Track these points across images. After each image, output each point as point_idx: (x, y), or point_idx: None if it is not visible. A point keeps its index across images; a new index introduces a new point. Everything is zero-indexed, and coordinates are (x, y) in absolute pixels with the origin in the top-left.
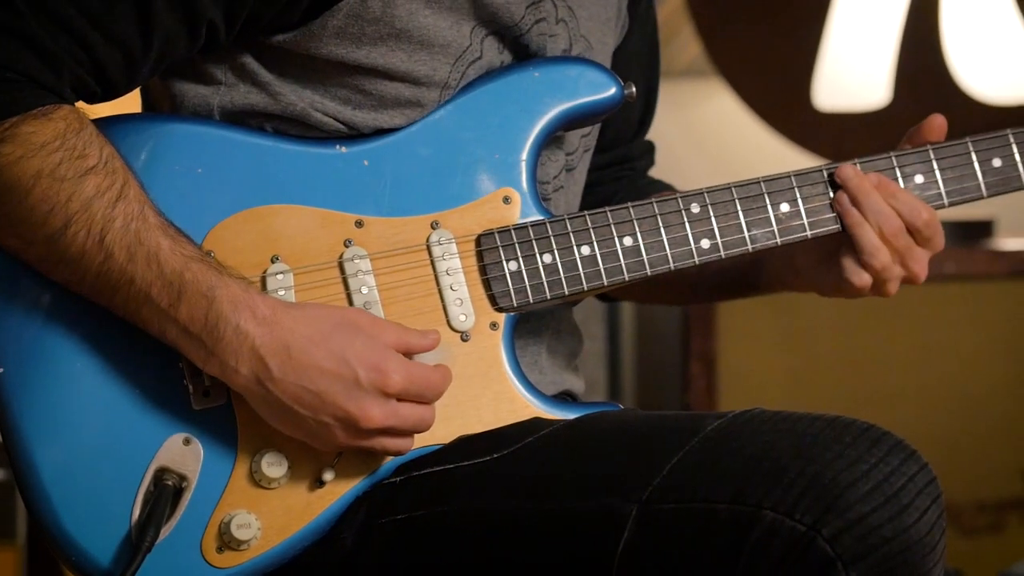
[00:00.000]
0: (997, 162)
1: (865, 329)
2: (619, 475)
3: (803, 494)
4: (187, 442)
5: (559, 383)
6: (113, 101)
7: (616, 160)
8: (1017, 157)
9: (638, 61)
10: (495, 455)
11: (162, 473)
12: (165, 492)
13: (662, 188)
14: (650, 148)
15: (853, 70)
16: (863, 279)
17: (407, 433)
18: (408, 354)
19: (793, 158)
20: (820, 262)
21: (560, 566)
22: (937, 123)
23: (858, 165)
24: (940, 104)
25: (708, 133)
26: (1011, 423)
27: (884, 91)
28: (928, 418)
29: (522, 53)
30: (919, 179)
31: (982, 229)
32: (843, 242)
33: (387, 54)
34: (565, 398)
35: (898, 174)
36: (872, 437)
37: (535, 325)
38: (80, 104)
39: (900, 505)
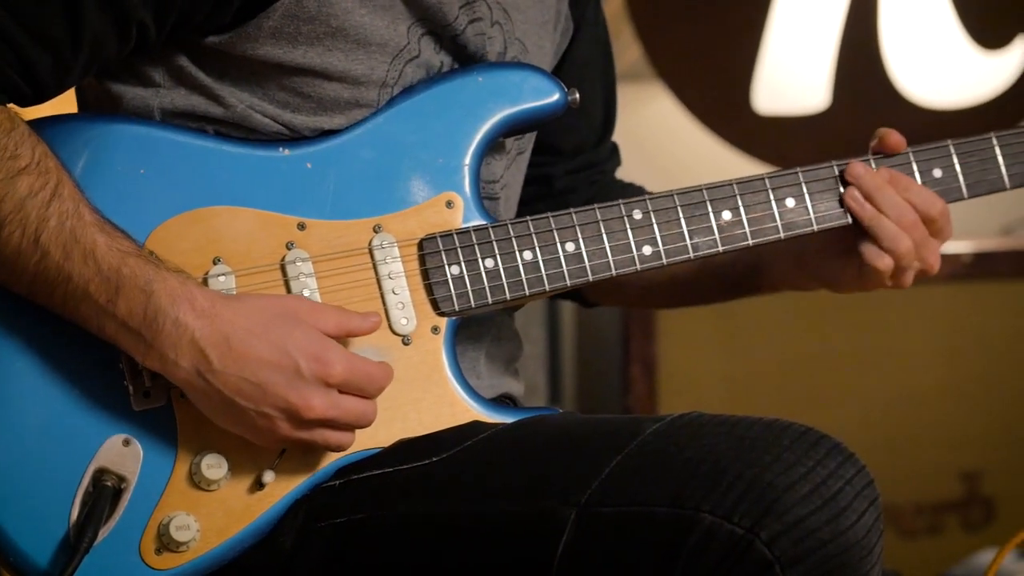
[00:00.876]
0: (937, 172)
1: (804, 332)
2: (558, 478)
3: (741, 497)
4: (127, 443)
5: (498, 386)
6: (51, 101)
7: (584, 165)
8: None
9: (593, 66)
10: (434, 458)
11: (101, 474)
12: (104, 493)
13: (637, 191)
14: (615, 150)
15: (792, 74)
16: (886, 262)
17: (348, 427)
18: (350, 337)
19: (734, 162)
20: (835, 257)
21: (500, 569)
22: (894, 140)
23: (800, 174)
24: (879, 108)
25: (648, 137)
26: (950, 425)
27: (823, 95)
28: (867, 421)
29: (460, 53)
30: (937, 173)
31: None
32: (858, 235)
33: (324, 54)
34: (505, 401)
35: (915, 168)
36: (810, 440)
37: (475, 330)
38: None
39: (838, 508)
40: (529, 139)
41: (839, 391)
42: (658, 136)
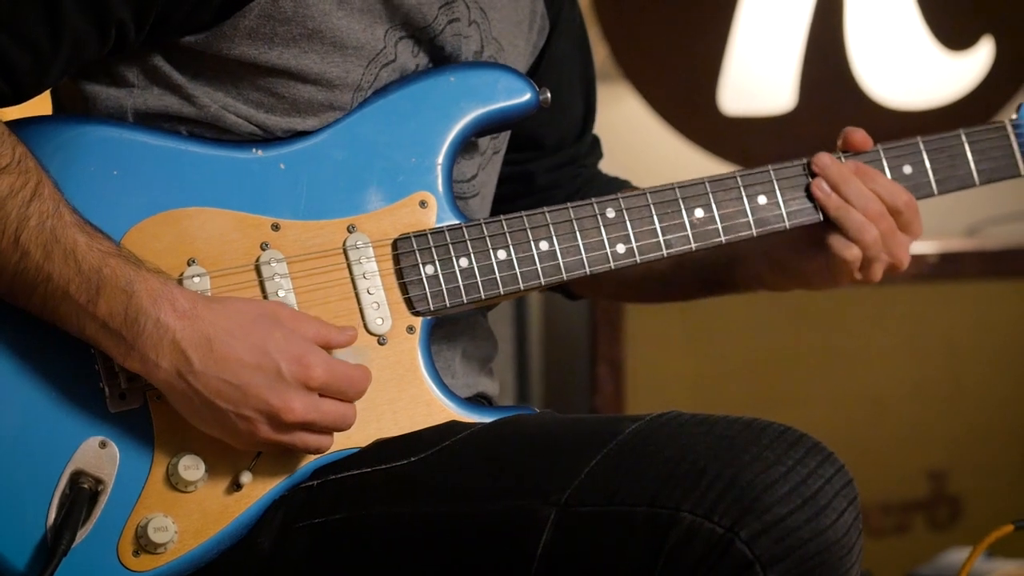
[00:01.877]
0: (907, 169)
1: (772, 332)
2: (537, 478)
3: (721, 496)
4: (103, 445)
5: (473, 386)
6: (25, 103)
7: (567, 160)
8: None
9: (570, 61)
10: (412, 459)
11: (78, 476)
12: (81, 495)
13: (621, 185)
14: (596, 143)
15: (759, 75)
16: (853, 252)
17: (328, 430)
18: (327, 349)
19: (700, 162)
20: (805, 252)
21: (479, 570)
22: (859, 138)
23: (771, 171)
24: (844, 109)
25: (615, 137)
26: (916, 425)
27: (789, 96)
28: (834, 420)
29: (437, 55)
30: (907, 169)
31: None
32: (826, 228)
33: (299, 55)
34: (480, 401)
35: (885, 165)
36: (789, 439)
37: (450, 330)
38: None
39: (818, 507)
40: (504, 138)
41: (806, 391)
42: (625, 136)
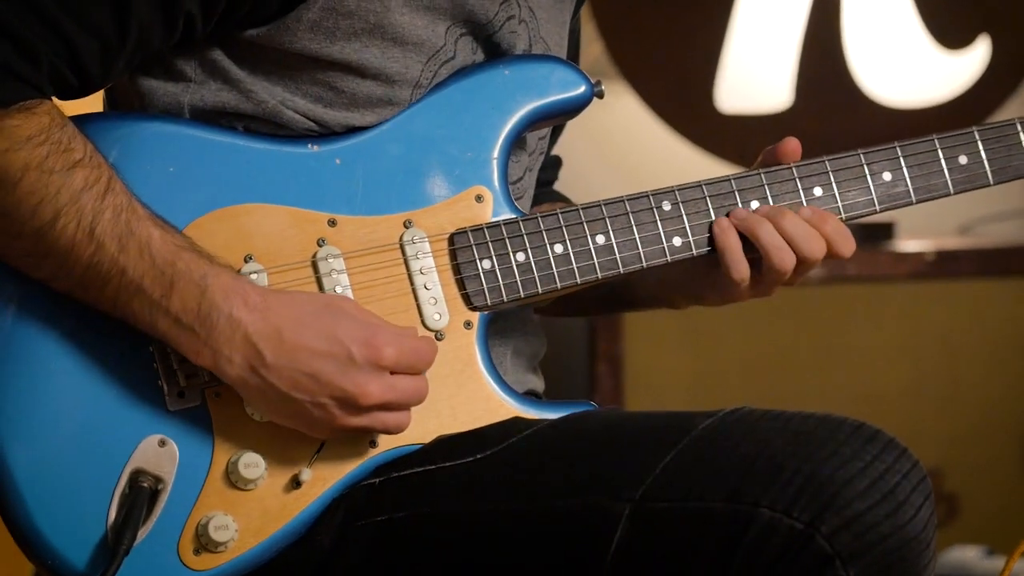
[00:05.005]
0: (963, 159)
1: (769, 330)
2: (610, 474)
3: (800, 492)
4: (162, 443)
5: (523, 383)
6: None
7: None
8: (983, 154)
9: None
10: (479, 455)
11: (138, 475)
12: (141, 494)
13: (556, 199)
14: (557, 163)
15: (755, 73)
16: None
17: (404, 407)
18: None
19: (696, 160)
20: (696, 271)
21: (550, 567)
22: (791, 146)
23: (827, 162)
24: (841, 107)
25: (610, 135)
26: (913, 423)
27: (786, 94)
28: None
29: (494, 52)
30: (887, 176)
31: (883, 231)
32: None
33: (360, 50)
34: (531, 398)
35: (866, 171)
36: (865, 435)
37: (502, 326)
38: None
39: (896, 502)
40: (547, 139)
41: (803, 389)
42: (620, 134)
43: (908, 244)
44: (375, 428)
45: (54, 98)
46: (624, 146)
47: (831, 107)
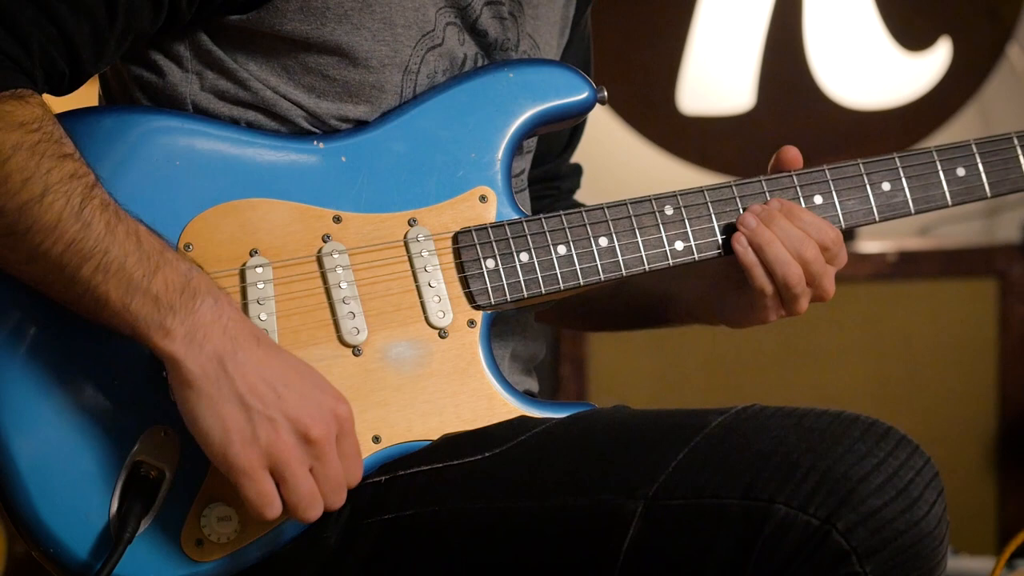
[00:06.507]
0: (961, 171)
1: (731, 332)
2: (623, 472)
3: (816, 488)
4: (165, 434)
5: (519, 385)
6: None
7: (543, 176)
8: (980, 167)
9: None
10: (486, 454)
11: (140, 465)
12: (144, 484)
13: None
14: (577, 171)
15: (717, 74)
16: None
17: (327, 485)
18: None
19: (659, 162)
20: (725, 287)
21: (562, 565)
22: (792, 154)
23: (827, 171)
24: (803, 109)
25: None
26: None
27: (748, 95)
28: None
29: (481, 42)
30: (886, 187)
31: (845, 233)
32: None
33: (351, 32)
34: (532, 398)
35: (865, 180)
36: (879, 432)
37: (502, 328)
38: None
39: (911, 498)
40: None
41: (765, 389)
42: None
43: (869, 245)
44: (297, 478)
45: (44, 95)
46: (585, 147)
47: (793, 108)
